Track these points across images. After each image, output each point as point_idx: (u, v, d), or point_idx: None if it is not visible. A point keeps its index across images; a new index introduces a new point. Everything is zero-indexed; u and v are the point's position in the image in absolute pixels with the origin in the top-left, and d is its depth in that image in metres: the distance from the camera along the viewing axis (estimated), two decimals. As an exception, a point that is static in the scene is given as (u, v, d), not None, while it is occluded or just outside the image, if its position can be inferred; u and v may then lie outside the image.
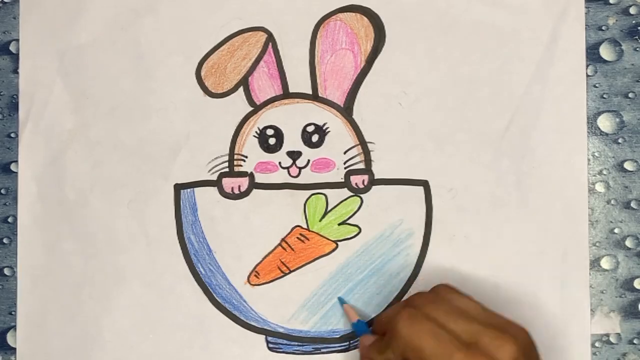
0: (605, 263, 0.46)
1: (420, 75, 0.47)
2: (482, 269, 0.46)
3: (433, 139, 0.47)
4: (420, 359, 0.38)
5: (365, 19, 0.48)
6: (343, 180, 0.47)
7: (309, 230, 0.47)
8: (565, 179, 0.46)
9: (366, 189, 0.47)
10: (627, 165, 0.46)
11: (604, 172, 0.46)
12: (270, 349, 0.47)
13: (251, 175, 0.48)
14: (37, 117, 0.49)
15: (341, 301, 0.47)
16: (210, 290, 0.48)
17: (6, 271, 0.49)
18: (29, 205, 0.49)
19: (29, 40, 0.50)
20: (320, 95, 0.48)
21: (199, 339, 0.47)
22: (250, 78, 0.48)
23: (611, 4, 0.47)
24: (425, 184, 0.47)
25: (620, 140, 0.46)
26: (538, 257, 0.46)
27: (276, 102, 0.48)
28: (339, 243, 0.47)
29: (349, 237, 0.47)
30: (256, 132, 0.48)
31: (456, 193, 0.47)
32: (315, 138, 0.48)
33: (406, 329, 0.38)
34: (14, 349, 0.49)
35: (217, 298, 0.48)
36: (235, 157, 0.48)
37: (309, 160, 0.48)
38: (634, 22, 0.47)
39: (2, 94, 0.50)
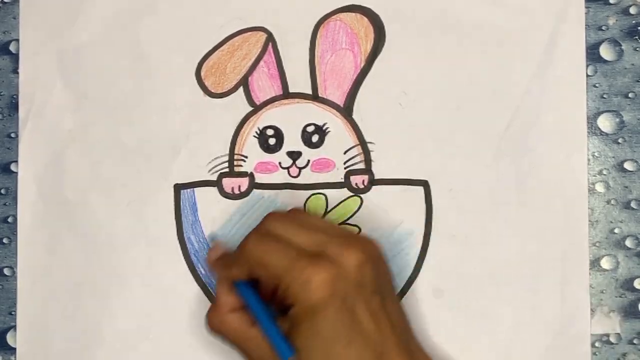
0: (605, 263, 0.46)
1: (420, 75, 0.47)
2: (482, 269, 0.46)
3: (433, 139, 0.47)
4: (267, 273, 0.39)
5: (365, 19, 0.48)
6: (343, 180, 0.47)
7: (309, 230, 0.47)
8: (565, 179, 0.46)
9: (366, 189, 0.47)
10: (627, 165, 0.46)
11: (604, 172, 0.46)
12: (270, 349, 0.47)
13: (251, 176, 0.48)
14: (37, 117, 0.49)
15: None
16: (210, 290, 0.48)
17: (6, 271, 0.49)
18: (29, 205, 0.49)
19: (29, 40, 0.50)
20: (320, 95, 0.48)
21: (199, 339, 0.47)
22: (250, 78, 0.48)
23: (611, 4, 0.47)
24: (425, 184, 0.47)
25: (620, 140, 0.46)
26: (538, 257, 0.46)
27: (276, 102, 0.48)
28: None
29: (349, 237, 0.47)
30: (256, 132, 0.48)
31: (456, 193, 0.47)
32: (315, 138, 0.48)
33: (253, 247, 0.39)
34: (14, 349, 0.49)
35: (217, 298, 0.48)
36: (235, 157, 0.48)
37: (309, 161, 0.48)
38: (634, 22, 0.47)
39: (2, 94, 0.50)
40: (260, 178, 0.48)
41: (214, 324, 0.42)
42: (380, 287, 0.40)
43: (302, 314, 0.38)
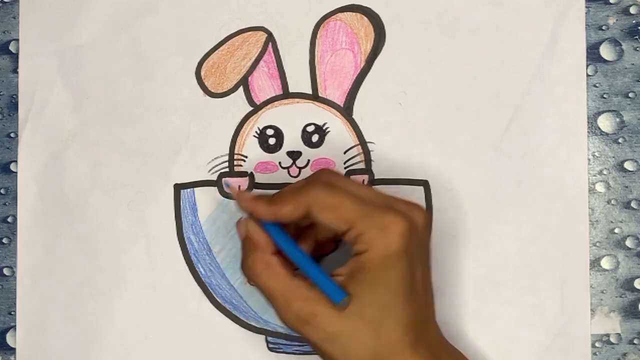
0: (605, 263, 0.46)
1: (420, 75, 0.47)
2: (482, 269, 0.46)
3: (433, 139, 0.47)
4: (339, 217, 0.37)
5: (365, 19, 0.48)
6: (343, 180, 0.47)
7: (309, 230, 0.47)
8: (565, 179, 0.46)
9: (366, 189, 0.47)
10: (627, 165, 0.46)
11: (604, 172, 0.46)
12: (270, 349, 0.47)
13: (251, 175, 0.48)
14: (37, 117, 0.49)
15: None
16: (210, 290, 0.48)
17: (6, 271, 0.49)
18: (29, 205, 0.49)
19: (29, 40, 0.50)
20: (320, 95, 0.48)
21: (199, 339, 0.47)
22: (250, 78, 0.48)
23: (611, 4, 0.47)
24: (425, 184, 0.47)
25: (620, 140, 0.46)
26: (538, 257, 0.46)
27: (276, 102, 0.48)
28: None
29: (349, 237, 0.47)
30: (256, 132, 0.48)
31: (456, 193, 0.47)
32: (315, 138, 0.48)
33: (320, 192, 0.38)
34: (14, 349, 0.49)
35: (217, 298, 0.48)
36: (235, 157, 0.48)
37: (309, 160, 0.48)
38: (634, 22, 0.47)
39: (2, 94, 0.50)
40: (260, 178, 0.48)
41: (258, 266, 0.39)
42: (429, 254, 0.40)
43: (373, 261, 0.37)
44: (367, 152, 0.47)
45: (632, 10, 0.47)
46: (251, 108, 0.48)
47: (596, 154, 0.46)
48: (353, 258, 0.38)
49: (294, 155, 0.48)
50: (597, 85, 0.47)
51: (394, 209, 0.38)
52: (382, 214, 0.37)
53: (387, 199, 0.39)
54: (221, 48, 0.48)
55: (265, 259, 0.39)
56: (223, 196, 0.48)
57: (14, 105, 0.50)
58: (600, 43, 0.47)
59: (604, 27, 0.47)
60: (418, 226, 0.38)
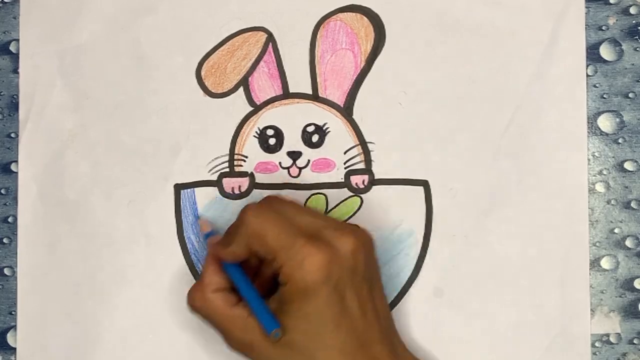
0: (605, 263, 0.46)
1: (420, 75, 0.47)
2: (482, 269, 0.46)
3: (433, 139, 0.47)
4: (264, 247, 0.39)
5: (365, 19, 0.48)
6: (343, 180, 0.47)
7: (309, 230, 0.47)
8: (565, 179, 0.46)
9: (366, 189, 0.47)
10: (627, 165, 0.46)
11: (604, 172, 0.46)
12: (270, 349, 0.47)
13: (251, 176, 0.48)
14: (37, 117, 0.49)
15: (196, 217, 0.48)
16: (211, 290, 0.48)
17: (6, 271, 0.49)
18: (29, 205, 0.49)
19: (29, 40, 0.50)
20: (320, 95, 0.48)
21: (199, 339, 0.47)
22: (250, 78, 0.48)
23: (611, 4, 0.47)
24: (425, 184, 0.47)
25: (620, 140, 0.46)
26: (538, 256, 0.46)
27: (276, 102, 0.48)
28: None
29: (349, 237, 0.47)
30: (256, 132, 0.48)
31: (456, 193, 0.47)
32: (315, 138, 0.48)
33: (252, 218, 0.39)
34: (14, 349, 0.49)
35: (217, 298, 0.48)
36: (236, 157, 0.48)
37: (309, 161, 0.48)
38: (634, 22, 0.47)
39: (2, 94, 0.50)
40: (260, 178, 0.48)
41: (197, 302, 0.42)
42: (370, 275, 0.40)
43: (294, 294, 0.38)
44: (367, 152, 0.47)
45: (632, 10, 0.47)
46: (251, 108, 0.48)
47: (596, 154, 0.46)
48: (279, 289, 0.39)
49: (294, 155, 0.48)
50: (597, 85, 0.47)
51: (315, 240, 0.39)
52: (301, 246, 0.38)
53: (319, 226, 0.40)
54: (221, 48, 0.48)
55: (205, 296, 0.42)
56: (223, 196, 0.48)
57: (14, 105, 0.50)
58: (600, 43, 0.47)
59: (604, 27, 0.47)
60: (341, 253, 0.39)
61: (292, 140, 0.48)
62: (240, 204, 0.48)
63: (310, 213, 0.41)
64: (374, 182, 0.47)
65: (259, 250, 0.40)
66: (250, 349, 0.40)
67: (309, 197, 0.47)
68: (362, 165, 0.47)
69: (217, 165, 0.48)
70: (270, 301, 0.40)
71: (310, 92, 0.48)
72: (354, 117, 0.47)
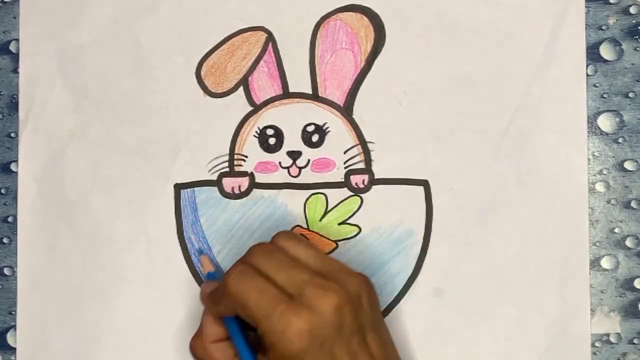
0: (605, 263, 0.46)
1: (420, 75, 0.47)
2: (482, 269, 0.46)
3: (433, 139, 0.47)
4: (246, 313, 0.38)
5: (365, 18, 0.48)
6: (343, 180, 0.47)
7: (309, 230, 0.47)
8: (565, 179, 0.46)
9: (366, 188, 0.47)
10: (627, 165, 0.46)
11: (604, 172, 0.46)
12: (270, 349, 0.47)
13: (251, 175, 0.48)
14: (37, 117, 0.49)
15: (200, 252, 0.47)
16: (210, 290, 0.48)
17: (6, 271, 0.49)
18: (29, 205, 0.49)
19: (29, 40, 0.50)
20: (320, 95, 0.48)
21: (199, 339, 0.47)
22: (250, 78, 0.48)
23: (611, 4, 0.47)
24: (425, 184, 0.47)
25: (620, 140, 0.46)
26: (538, 256, 0.46)
27: (276, 102, 0.48)
28: (338, 243, 0.47)
29: (348, 237, 0.47)
30: (256, 132, 0.48)
31: (456, 193, 0.47)
32: (315, 138, 0.48)
33: (234, 286, 0.39)
34: (14, 349, 0.49)
35: (217, 298, 0.48)
36: (235, 157, 0.48)
37: (309, 160, 0.48)
38: (634, 21, 0.47)
39: (2, 93, 0.50)
40: (260, 178, 0.48)
41: (197, 351, 0.42)
42: (361, 324, 0.39)
43: None
44: (367, 152, 0.47)
45: (632, 10, 0.47)
46: (251, 108, 0.48)
47: (596, 153, 0.46)
48: (267, 353, 0.39)
49: (294, 155, 0.48)
50: (597, 85, 0.47)
51: (296, 305, 0.38)
52: (279, 315, 0.37)
53: (302, 283, 0.39)
54: (221, 48, 0.48)
55: (204, 346, 0.42)
56: (223, 196, 0.48)
57: (14, 105, 0.50)
58: (600, 43, 0.47)
59: (604, 27, 0.47)
60: (324, 315, 0.37)
61: (292, 140, 0.48)
62: (240, 203, 0.48)
63: (295, 265, 0.40)
64: (374, 181, 0.47)
65: (242, 315, 0.39)
66: None
67: (309, 197, 0.47)
68: (362, 165, 0.47)
69: (217, 165, 0.48)
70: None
71: (310, 91, 0.48)
72: (354, 116, 0.47)
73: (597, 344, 0.46)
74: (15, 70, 0.50)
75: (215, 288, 0.42)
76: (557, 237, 0.46)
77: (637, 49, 0.47)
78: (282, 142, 0.48)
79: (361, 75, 0.47)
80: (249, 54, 0.48)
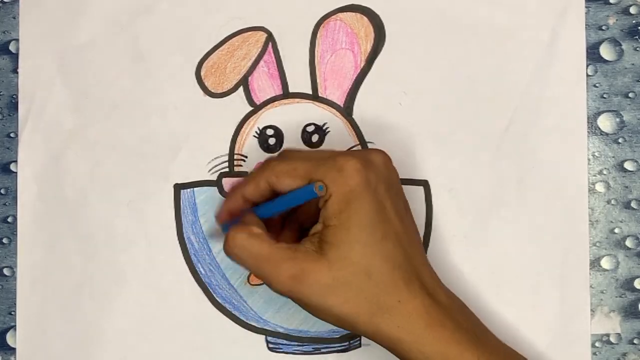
0: (605, 263, 0.46)
1: (420, 75, 0.47)
2: (482, 269, 0.46)
3: (433, 139, 0.47)
4: (297, 176, 0.39)
5: (365, 19, 0.48)
6: (343, 180, 0.47)
7: (309, 230, 0.47)
8: (565, 179, 0.46)
9: (366, 189, 0.47)
10: (627, 165, 0.46)
11: (604, 172, 0.46)
12: (270, 349, 0.47)
13: (251, 175, 0.48)
14: (37, 117, 0.49)
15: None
16: (210, 290, 0.48)
17: (6, 271, 0.49)
18: (29, 205, 0.49)
19: (29, 40, 0.50)
20: (320, 95, 0.48)
21: (199, 339, 0.47)
22: (250, 78, 0.48)
23: (611, 4, 0.47)
24: (425, 184, 0.47)
25: (620, 140, 0.46)
26: (538, 257, 0.46)
27: (276, 102, 0.48)
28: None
29: (349, 237, 0.47)
30: (256, 132, 0.48)
31: (456, 193, 0.47)
32: (315, 138, 0.48)
33: (277, 162, 0.40)
34: (14, 349, 0.49)
35: (217, 298, 0.48)
36: (235, 157, 0.48)
37: (309, 160, 0.47)
38: (634, 22, 0.47)
39: (2, 94, 0.50)
40: (260, 178, 0.48)
41: (241, 238, 0.39)
42: (402, 194, 0.40)
43: (339, 203, 0.37)
44: (367, 152, 0.47)
45: (632, 10, 0.47)
46: (251, 108, 0.48)
47: (596, 154, 0.46)
48: (322, 210, 0.39)
49: (294, 155, 0.48)
50: (597, 85, 0.47)
51: (345, 153, 0.39)
52: (334, 158, 0.38)
53: (340, 151, 0.40)
54: (221, 48, 0.48)
55: (247, 229, 0.39)
56: (223, 196, 0.48)
57: (14, 105, 0.50)
58: (600, 43, 0.47)
59: (604, 27, 0.47)
60: (374, 163, 0.39)
61: (292, 140, 0.48)
62: (240, 204, 0.48)
63: (327, 150, 0.42)
64: (373, 182, 0.47)
65: (287, 185, 0.39)
66: (301, 281, 0.38)
67: (309, 197, 0.47)
68: (362, 165, 0.47)
69: (216, 165, 0.48)
70: (315, 227, 0.39)
71: (310, 92, 0.48)
72: (353, 117, 0.47)
73: (597, 344, 0.46)
74: (15, 70, 0.50)
75: (250, 176, 0.41)
76: (557, 237, 0.46)
77: (637, 49, 0.47)
78: (282, 142, 0.48)
79: (361, 76, 0.47)
80: (249, 54, 0.48)
